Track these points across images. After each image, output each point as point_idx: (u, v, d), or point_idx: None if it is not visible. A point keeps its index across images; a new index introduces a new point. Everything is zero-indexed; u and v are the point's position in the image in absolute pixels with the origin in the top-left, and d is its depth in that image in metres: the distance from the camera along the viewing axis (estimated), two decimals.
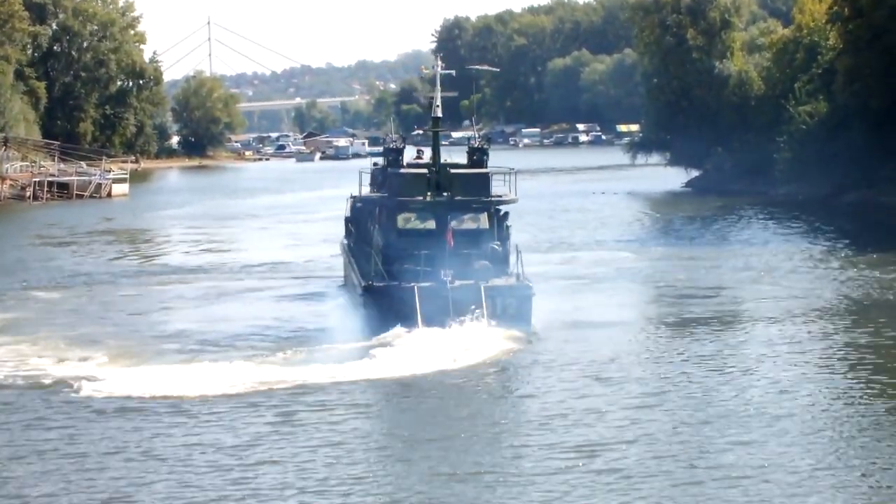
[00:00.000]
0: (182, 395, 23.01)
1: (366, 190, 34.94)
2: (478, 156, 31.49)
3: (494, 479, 17.51)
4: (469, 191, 30.17)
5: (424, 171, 30.94)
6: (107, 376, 24.56)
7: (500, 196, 30.77)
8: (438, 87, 32.20)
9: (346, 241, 37.73)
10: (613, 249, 47.61)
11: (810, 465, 17.87)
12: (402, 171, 31.64)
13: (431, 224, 29.77)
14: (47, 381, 24.42)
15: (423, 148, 35.37)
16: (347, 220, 38.13)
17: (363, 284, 29.16)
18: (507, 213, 31.06)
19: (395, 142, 33.65)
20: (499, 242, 29.95)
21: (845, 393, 22.41)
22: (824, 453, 18.46)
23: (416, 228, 29.86)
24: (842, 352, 26.29)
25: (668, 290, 36.15)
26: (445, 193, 30.00)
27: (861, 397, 22.02)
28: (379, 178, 33.73)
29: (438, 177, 30.26)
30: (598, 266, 42.05)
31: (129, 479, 17.90)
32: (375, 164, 36.28)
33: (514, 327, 27.65)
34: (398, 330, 27.32)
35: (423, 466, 18.20)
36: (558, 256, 44.80)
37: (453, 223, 29.51)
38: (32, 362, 26.36)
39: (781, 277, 38.08)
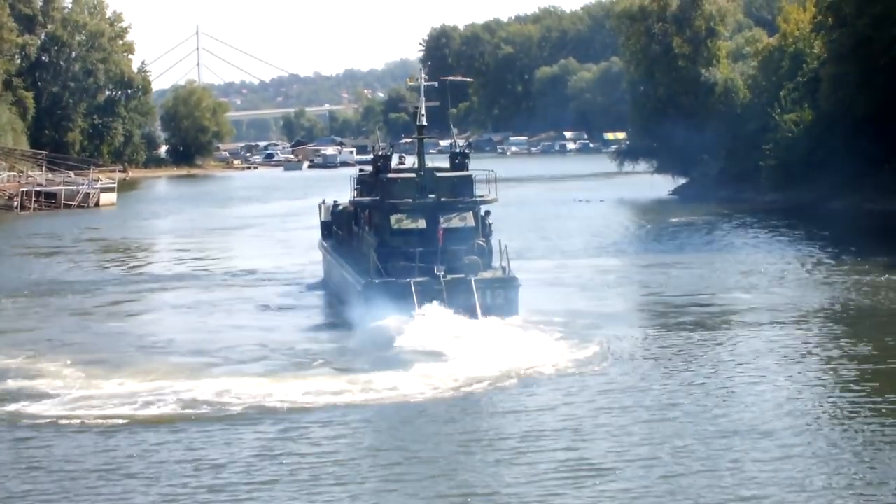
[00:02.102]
0: (173, 411, 22.12)
1: (350, 194, 37.25)
2: (460, 160, 34.19)
3: (505, 501, 17.20)
4: (454, 192, 32.78)
5: (413, 175, 33.45)
6: (90, 392, 23.63)
7: (483, 196, 33.17)
8: (423, 98, 34.99)
9: (325, 243, 40.56)
10: (603, 256, 47.70)
11: (831, 482, 17.66)
12: (392, 175, 33.87)
13: (422, 223, 32.07)
14: (22, 397, 23.29)
15: (405, 155, 38.16)
16: (326, 224, 41.19)
17: (363, 282, 31.13)
18: (488, 212, 33.33)
19: (384, 149, 35.92)
20: (483, 239, 32.40)
21: (851, 403, 22.09)
22: (837, 468, 18.25)
23: (408, 228, 32.14)
24: (839, 360, 26.07)
25: (661, 298, 36.18)
26: (432, 195, 32.43)
27: (868, 408, 21.72)
28: (369, 183, 35.61)
29: (426, 180, 32.83)
30: (589, 273, 42.10)
31: (118, 501, 17.47)
32: (362, 170, 38.90)
33: (503, 317, 29.81)
34: (400, 338, 27.94)
35: (430, 487, 17.82)
36: (549, 263, 44.75)
37: (442, 222, 31.74)
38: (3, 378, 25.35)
39: (770, 284, 38.16)
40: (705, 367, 25.72)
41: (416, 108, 35.27)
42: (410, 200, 32.39)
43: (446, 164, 34.70)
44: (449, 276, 30.37)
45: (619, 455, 19.16)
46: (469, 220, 32.27)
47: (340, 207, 40.15)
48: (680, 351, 27.60)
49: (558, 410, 22.11)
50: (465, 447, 19.94)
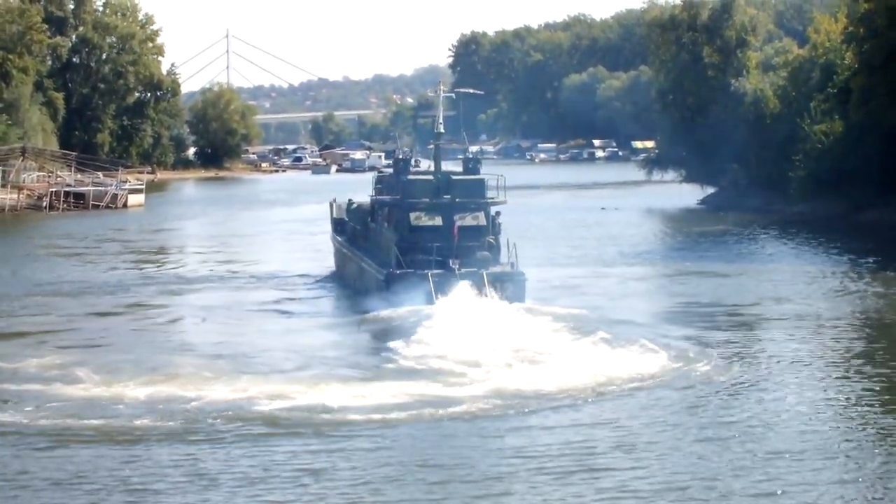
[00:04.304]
0: (199, 421, 21.25)
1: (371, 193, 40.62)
2: (472, 165, 37.68)
3: None
4: (468, 194, 35.81)
5: (430, 177, 36.74)
6: (111, 399, 22.85)
7: (493, 198, 36.39)
8: (440, 108, 38.47)
9: (338, 238, 43.65)
10: (627, 265, 47.49)
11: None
12: (412, 177, 37.24)
13: (439, 221, 35.07)
14: (43, 401, 22.56)
15: (419, 158, 42.15)
16: (338, 221, 44.56)
17: (385, 272, 33.92)
18: (498, 212, 36.11)
19: (405, 153, 40.08)
20: (493, 237, 35.23)
21: (887, 422, 21.36)
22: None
23: (425, 225, 35.10)
24: (875, 377, 25.27)
25: (688, 308, 35.83)
26: (447, 196, 35.55)
27: None
28: (389, 183, 38.93)
29: (442, 182, 36.15)
30: (610, 281, 42.04)
31: None
32: (380, 171, 44.02)
33: (511, 306, 31.96)
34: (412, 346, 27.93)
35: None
36: (577, 272, 44.79)
37: (457, 220, 34.54)
38: (20, 380, 24.82)
39: (799, 296, 37.65)
40: (755, 382, 24.81)
41: (434, 117, 38.46)
42: (428, 200, 35.64)
43: (460, 169, 37.85)
44: (463, 270, 32.97)
45: (674, 474, 18.29)
46: (481, 219, 35.24)
47: (356, 205, 43.53)
48: (726, 363, 26.70)
49: (605, 426, 21.21)
50: (509, 464, 19.07)
